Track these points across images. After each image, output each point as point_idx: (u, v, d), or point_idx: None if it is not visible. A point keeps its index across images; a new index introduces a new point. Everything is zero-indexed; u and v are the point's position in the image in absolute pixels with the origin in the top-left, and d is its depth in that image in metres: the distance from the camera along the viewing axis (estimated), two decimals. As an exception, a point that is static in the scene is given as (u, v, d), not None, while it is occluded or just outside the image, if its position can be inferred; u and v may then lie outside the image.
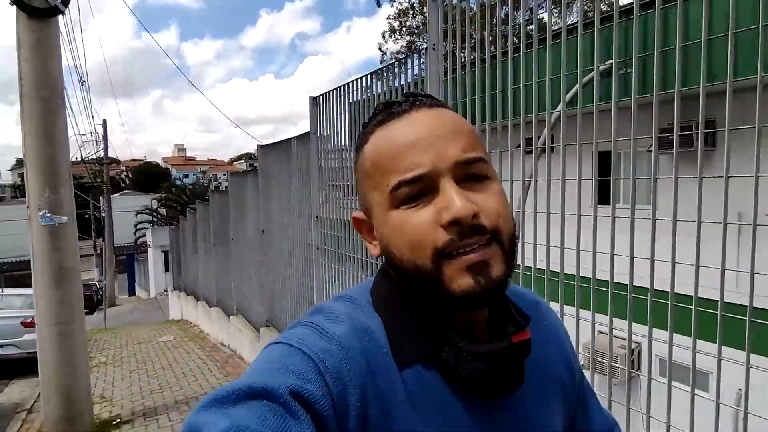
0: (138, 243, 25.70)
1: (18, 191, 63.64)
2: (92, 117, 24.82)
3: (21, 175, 64.91)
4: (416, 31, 17.30)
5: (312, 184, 3.81)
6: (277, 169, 4.79)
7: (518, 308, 0.56)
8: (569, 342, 0.67)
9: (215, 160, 71.88)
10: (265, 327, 5.07)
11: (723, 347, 1.33)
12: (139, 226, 25.51)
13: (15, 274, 23.22)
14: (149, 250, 20.33)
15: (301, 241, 4.16)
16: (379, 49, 18.04)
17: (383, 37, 18.18)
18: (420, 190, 0.47)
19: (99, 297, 15.96)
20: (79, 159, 17.32)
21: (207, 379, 5.16)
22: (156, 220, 24.89)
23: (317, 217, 3.76)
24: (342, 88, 3.31)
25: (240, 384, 0.42)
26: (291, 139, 4.41)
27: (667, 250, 1.41)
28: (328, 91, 3.53)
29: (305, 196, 4.02)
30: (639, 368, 4.00)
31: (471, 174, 0.48)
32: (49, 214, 3.59)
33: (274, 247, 4.90)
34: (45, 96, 3.57)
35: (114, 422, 3.99)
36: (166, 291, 15.76)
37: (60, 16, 3.68)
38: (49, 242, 3.60)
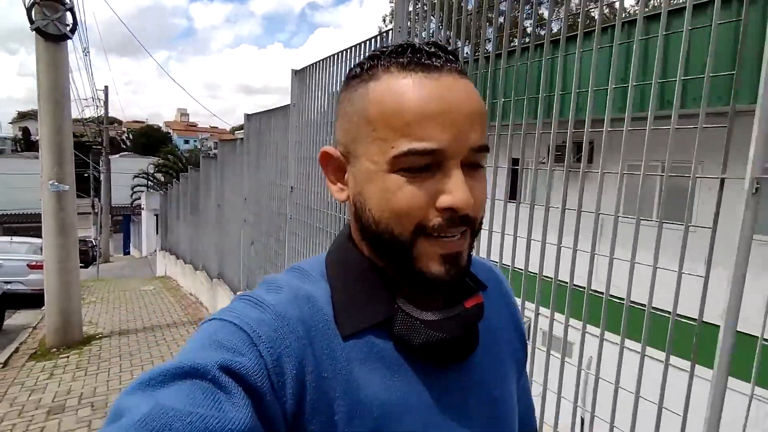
0: (134, 205, 27.16)
1: (18, 145, 64.61)
2: (93, 84, 25.90)
3: (22, 129, 65.89)
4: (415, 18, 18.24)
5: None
6: (260, 140, 4.97)
7: (473, 275, 0.57)
8: (519, 312, 0.68)
9: (216, 127, 72.78)
10: (216, 279, 6.63)
11: (588, 325, 1.56)
12: (135, 189, 26.92)
13: (13, 225, 24.88)
14: (143, 213, 21.85)
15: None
16: (379, 32, 18.78)
17: (383, 20, 18.63)
18: (426, 163, 0.45)
19: (94, 253, 17.59)
20: (80, 118, 18.68)
21: (171, 315, 6.77)
22: (152, 184, 26.28)
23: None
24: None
25: (168, 365, 0.40)
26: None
27: (556, 243, 1.63)
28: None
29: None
30: (528, 338, 5.41)
31: (474, 161, 0.47)
32: (56, 184, 5.09)
33: (241, 214, 5.76)
34: (56, 98, 5.04)
35: (96, 336, 5.58)
36: (155, 251, 17.39)
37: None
38: (56, 204, 5.11)
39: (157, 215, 17.88)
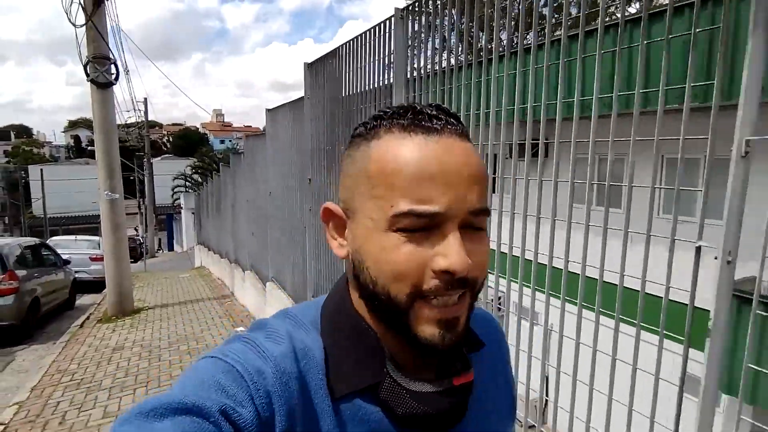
0: (175, 204, 29.78)
1: (71, 152, 70.05)
2: (134, 97, 28.52)
3: (74, 137, 71.25)
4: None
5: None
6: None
7: (472, 332, 0.57)
8: (511, 370, 0.67)
9: (250, 126, 76.03)
10: (234, 263, 8.35)
11: (551, 297, 1.75)
12: (175, 190, 29.50)
13: (71, 227, 28.13)
14: (182, 211, 24.26)
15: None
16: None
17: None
18: (424, 225, 0.45)
19: (142, 249, 20.02)
20: (125, 124, 21.09)
21: (200, 293, 8.58)
22: (189, 185, 28.71)
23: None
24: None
25: (169, 398, 0.41)
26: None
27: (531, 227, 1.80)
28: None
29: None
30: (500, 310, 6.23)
31: (473, 223, 0.47)
32: (109, 193, 6.89)
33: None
34: (106, 129, 6.82)
35: (144, 308, 7.40)
36: (194, 246, 19.60)
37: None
38: (109, 208, 6.92)
39: (194, 213, 20.10)
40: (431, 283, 0.45)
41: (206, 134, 71.13)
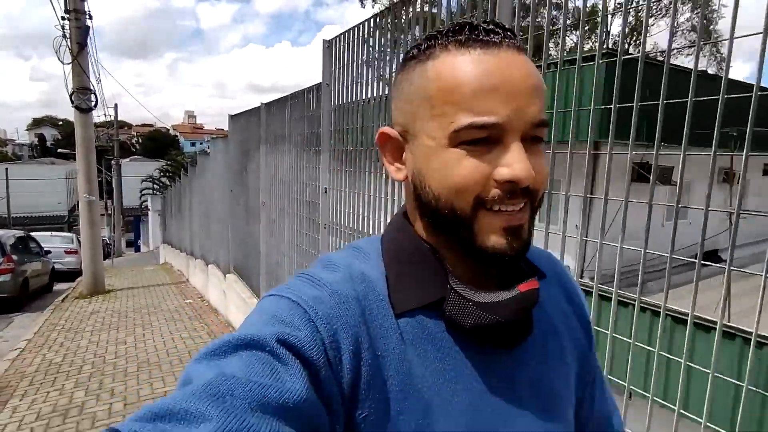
0: (142, 207, 31.09)
1: (35, 151, 69.79)
2: (105, 104, 29.93)
3: (38, 136, 70.96)
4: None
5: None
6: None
7: (529, 261, 0.57)
8: (583, 300, 0.67)
9: (222, 129, 76.94)
10: (190, 255, 10.29)
11: None
12: (143, 192, 30.86)
13: (37, 227, 29.15)
14: (149, 213, 25.79)
15: (224, 201, 8.79)
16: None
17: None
18: (486, 136, 0.46)
19: (109, 250, 21.58)
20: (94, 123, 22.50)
21: (161, 280, 10.48)
22: (157, 188, 30.12)
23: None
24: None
25: (230, 336, 0.44)
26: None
27: None
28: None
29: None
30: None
31: (534, 135, 0.48)
32: (87, 196, 8.78)
33: (210, 206, 9.79)
34: (86, 145, 8.72)
35: (114, 290, 9.29)
36: (159, 245, 21.24)
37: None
38: (87, 208, 8.81)
39: (160, 215, 21.72)
40: (494, 193, 0.46)
41: (177, 136, 71.85)
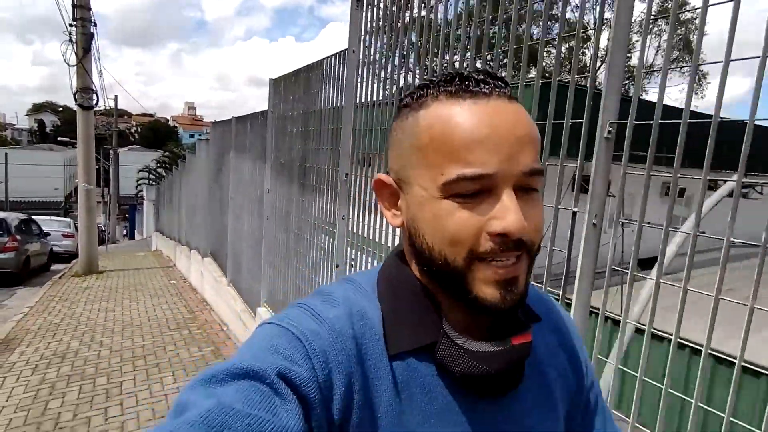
0: (138, 196, 31.99)
1: (34, 136, 70.59)
2: (105, 92, 30.71)
3: (38, 121, 71.77)
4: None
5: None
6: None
7: (527, 306, 0.57)
8: (578, 344, 0.66)
9: (221, 121, 77.61)
10: (177, 242, 11.31)
11: None
12: (139, 182, 31.76)
13: (39, 212, 30.10)
14: (145, 203, 26.77)
15: (206, 193, 9.96)
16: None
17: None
18: (477, 188, 0.46)
19: (104, 237, 22.60)
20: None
21: (150, 264, 11.51)
22: (152, 178, 31.02)
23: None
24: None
25: (228, 364, 0.44)
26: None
27: None
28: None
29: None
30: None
31: (527, 185, 0.48)
32: (85, 185, 9.81)
33: (194, 197, 10.88)
34: (87, 139, 9.75)
35: (106, 271, 10.32)
36: (153, 234, 22.25)
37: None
38: (85, 196, 9.84)
39: (154, 204, 22.72)
40: (487, 246, 0.46)
41: (176, 127, 72.69)
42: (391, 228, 2.28)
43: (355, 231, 2.64)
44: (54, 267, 11.77)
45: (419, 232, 0.51)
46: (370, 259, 2.48)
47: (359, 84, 2.59)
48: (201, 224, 7.99)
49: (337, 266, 2.79)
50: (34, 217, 14.85)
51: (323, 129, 3.06)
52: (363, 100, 2.54)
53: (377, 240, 2.41)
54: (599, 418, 0.66)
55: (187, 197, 10.11)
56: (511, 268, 0.48)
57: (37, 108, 76.69)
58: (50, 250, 11.36)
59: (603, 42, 2.67)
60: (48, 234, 11.24)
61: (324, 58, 3.04)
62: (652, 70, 13.67)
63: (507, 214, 0.46)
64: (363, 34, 2.57)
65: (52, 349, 4.85)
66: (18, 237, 9.26)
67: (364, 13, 2.55)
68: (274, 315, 0.52)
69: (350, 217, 2.69)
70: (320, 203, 3.11)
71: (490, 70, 0.56)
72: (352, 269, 2.69)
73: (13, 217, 9.64)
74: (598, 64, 1.43)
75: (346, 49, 2.68)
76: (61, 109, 76.01)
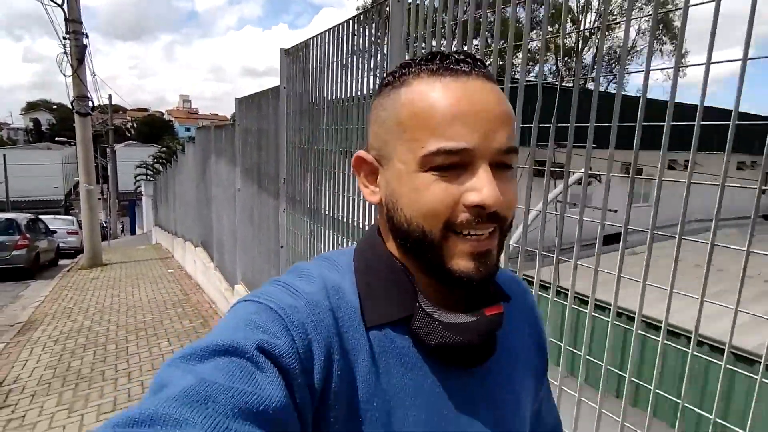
0: (137, 191, 32.87)
1: (30, 135, 71.19)
2: (98, 90, 31.31)
3: (33, 120, 72.31)
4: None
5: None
6: (205, 146, 10.19)
7: (497, 285, 0.60)
8: (542, 326, 0.71)
9: (217, 114, 78.39)
10: (174, 234, 12.30)
11: None
12: (137, 178, 32.61)
13: (39, 211, 31.10)
14: (143, 198, 27.74)
15: (194, 189, 10.92)
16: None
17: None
18: (455, 162, 0.48)
19: (104, 233, 23.64)
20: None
21: (150, 256, 12.53)
22: (150, 174, 31.85)
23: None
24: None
25: (207, 341, 0.44)
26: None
27: None
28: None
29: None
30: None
31: (503, 162, 0.50)
32: (86, 186, 10.78)
33: (185, 192, 11.85)
34: (85, 143, 10.69)
35: (110, 264, 11.34)
36: (152, 228, 23.27)
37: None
38: (87, 195, 10.82)
39: (153, 199, 23.68)
40: (463, 217, 0.49)
41: (171, 121, 73.25)
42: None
43: (295, 218, 3.62)
44: (61, 262, 12.81)
45: (397, 206, 0.52)
46: (307, 239, 3.45)
47: (286, 114, 3.55)
48: (192, 218, 8.96)
49: (282, 246, 3.77)
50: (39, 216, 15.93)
51: (270, 143, 4.02)
52: (292, 125, 3.50)
53: (306, 227, 3.38)
54: (548, 388, 0.74)
55: (180, 194, 11.08)
56: (484, 241, 0.50)
57: (32, 107, 77.13)
58: (57, 247, 12.37)
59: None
60: (54, 232, 12.24)
61: (266, 90, 3.99)
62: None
63: (483, 187, 0.48)
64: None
65: (68, 326, 5.87)
66: (28, 235, 10.26)
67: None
68: (250, 292, 0.53)
69: (289, 210, 3.66)
70: (269, 200, 4.09)
71: (469, 52, 0.59)
72: (291, 248, 3.67)
73: (22, 218, 10.64)
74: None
75: (278, 86, 3.62)
76: (55, 107, 76.49)
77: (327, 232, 2.97)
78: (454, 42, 1.84)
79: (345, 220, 2.73)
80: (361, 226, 2.55)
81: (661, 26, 19.98)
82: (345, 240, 2.75)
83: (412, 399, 0.52)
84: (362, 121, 2.48)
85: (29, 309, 6.91)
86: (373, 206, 2.40)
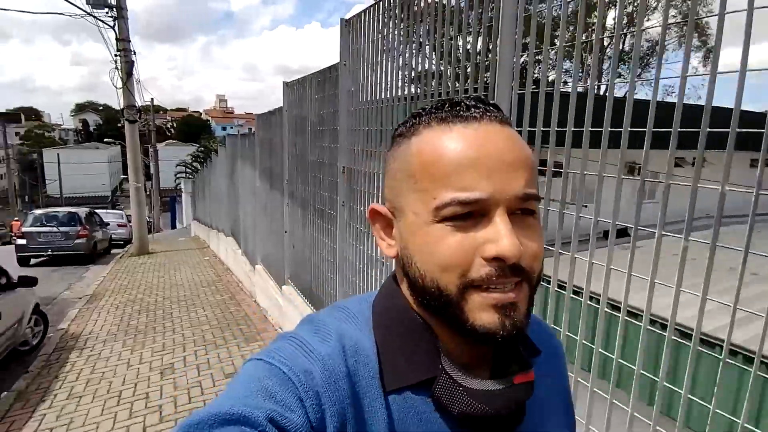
0: (177, 188, 35.08)
1: (80, 136, 75.91)
2: (141, 96, 33.58)
3: (82, 121, 77.05)
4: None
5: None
6: (233, 150, 12.91)
7: (528, 339, 0.56)
8: (567, 374, 0.68)
9: (251, 113, 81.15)
10: (209, 227, 13.82)
11: None
12: (177, 176, 34.84)
13: (76, 206, 33.82)
14: (183, 195, 29.81)
15: (226, 187, 12.34)
16: None
17: None
18: (469, 212, 0.46)
19: (149, 226, 25.78)
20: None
21: (189, 246, 14.12)
22: (189, 172, 33.97)
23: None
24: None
25: (217, 408, 0.42)
26: (246, 133, 11.97)
27: None
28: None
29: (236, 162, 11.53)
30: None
31: (522, 208, 0.48)
32: (135, 183, 12.40)
33: (219, 189, 13.34)
34: (134, 147, 12.30)
35: (156, 252, 12.95)
36: (191, 222, 25.20)
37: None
38: (135, 192, 12.45)
39: (191, 196, 25.62)
40: (482, 272, 0.45)
41: (208, 121, 76.47)
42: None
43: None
44: (113, 251, 14.59)
45: (411, 259, 0.50)
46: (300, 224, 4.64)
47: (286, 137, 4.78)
48: (224, 211, 10.37)
49: (286, 231, 4.98)
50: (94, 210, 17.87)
51: (277, 152, 5.24)
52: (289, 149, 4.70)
53: (298, 215, 4.57)
54: None
55: (214, 190, 12.56)
56: (509, 294, 0.46)
57: (80, 108, 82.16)
58: (110, 237, 14.12)
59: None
60: (107, 224, 13.99)
61: (274, 109, 5.21)
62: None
63: (501, 237, 0.45)
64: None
65: (125, 298, 7.32)
66: (87, 227, 11.96)
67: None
68: (263, 349, 0.51)
69: (289, 203, 4.87)
70: (277, 196, 5.32)
71: (482, 96, 0.55)
72: (291, 233, 4.87)
73: (82, 211, 12.37)
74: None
75: (281, 107, 4.85)
76: (101, 107, 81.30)
77: (310, 217, 4.16)
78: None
79: (323, 209, 3.89)
80: (334, 214, 3.70)
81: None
82: (324, 225, 3.91)
83: None
84: (334, 140, 3.62)
85: (92, 286, 8.44)
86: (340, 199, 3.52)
